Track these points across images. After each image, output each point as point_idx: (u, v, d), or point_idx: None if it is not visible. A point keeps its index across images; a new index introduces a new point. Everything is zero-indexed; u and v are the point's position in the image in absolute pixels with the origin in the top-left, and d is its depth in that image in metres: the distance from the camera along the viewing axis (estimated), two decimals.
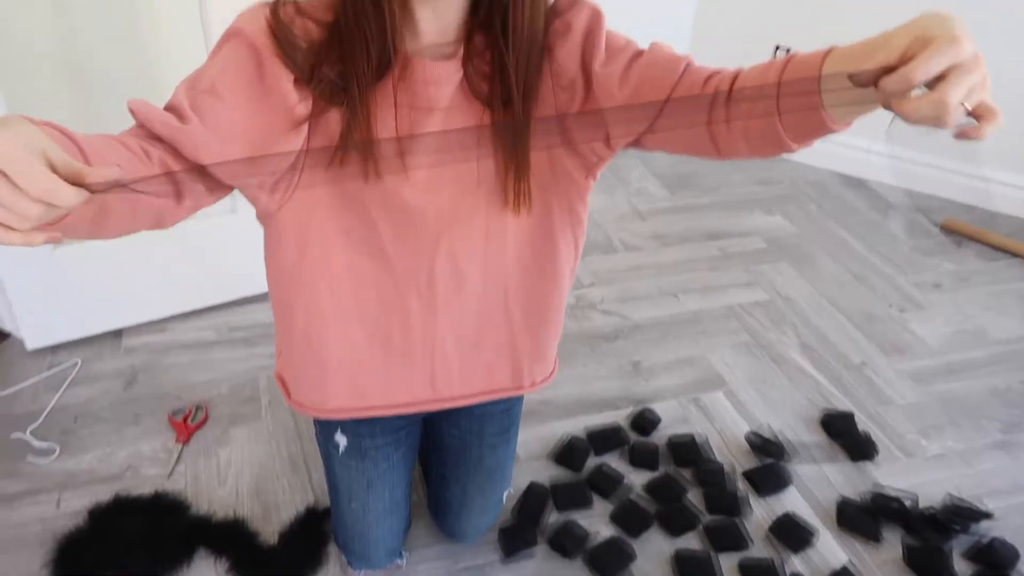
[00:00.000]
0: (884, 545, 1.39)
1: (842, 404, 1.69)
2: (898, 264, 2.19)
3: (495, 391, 1.14)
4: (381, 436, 1.18)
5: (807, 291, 2.06)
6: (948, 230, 2.35)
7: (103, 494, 1.39)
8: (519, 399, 1.26)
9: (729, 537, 1.37)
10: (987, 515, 1.44)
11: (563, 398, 1.66)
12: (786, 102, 0.69)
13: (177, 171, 0.73)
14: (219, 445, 1.52)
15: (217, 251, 1.80)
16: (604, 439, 1.55)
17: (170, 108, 0.76)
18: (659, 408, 1.64)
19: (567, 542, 1.33)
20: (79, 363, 1.69)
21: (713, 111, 0.76)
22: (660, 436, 1.58)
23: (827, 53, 0.66)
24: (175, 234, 1.71)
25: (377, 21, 0.76)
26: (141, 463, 1.47)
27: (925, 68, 0.55)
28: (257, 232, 1.87)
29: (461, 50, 0.83)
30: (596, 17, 0.85)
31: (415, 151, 0.85)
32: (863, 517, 1.42)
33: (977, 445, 1.61)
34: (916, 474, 1.53)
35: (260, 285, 1.88)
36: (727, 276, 2.10)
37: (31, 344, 1.71)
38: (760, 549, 1.37)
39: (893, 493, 1.47)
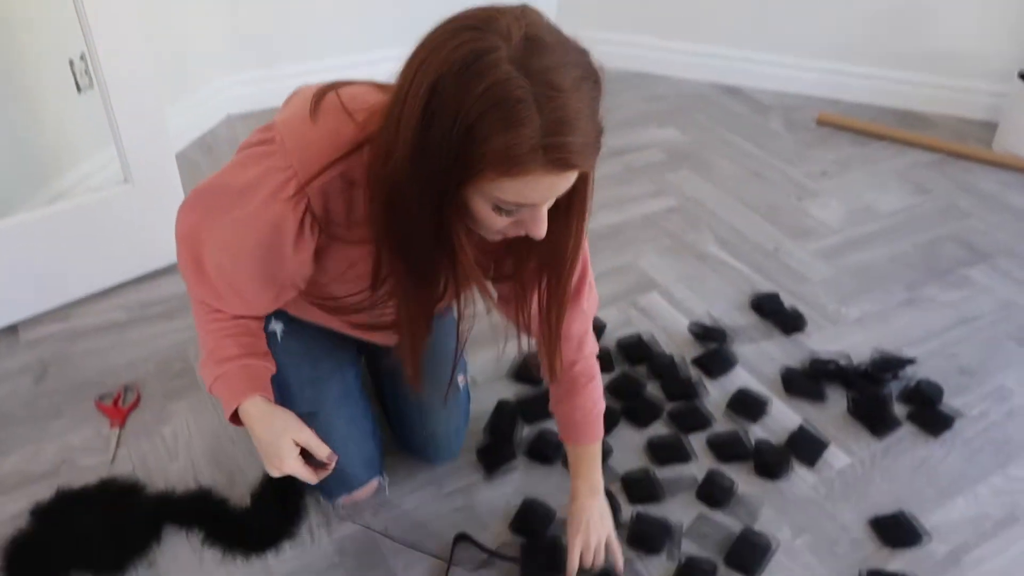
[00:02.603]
0: (829, 403, 1.49)
1: (766, 288, 1.78)
2: (787, 158, 2.32)
3: None
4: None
5: (712, 192, 2.14)
6: (824, 123, 2.51)
7: (41, 493, 1.27)
8: None
9: (693, 419, 1.43)
10: (911, 361, 1.57)
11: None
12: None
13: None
14: (160, 423, 1.42)
15: (113, 226, 1.66)
16: None
17: None
18: (601, 315, 1.67)
19: (545, 449, 1.34)
20: None
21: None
22: (608, 340, 1.61)
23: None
24: (63, 214, 1.58)
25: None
26: (75, 455, 1.35)
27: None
28: (156, 201, 1.75)
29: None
30: None
31: None
32: (806, 382, 1.52)
33: (890, 305, 1.75)
34: (843, 338, 1.65)
35: (164, 257, 1.78)
36: (637, 188, 2.15)
37: None
38: (723, 424, 1.44)
39: (828, 357, 1.57)
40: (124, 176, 1.65)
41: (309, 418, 1.02)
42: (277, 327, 1.14)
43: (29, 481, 1.30)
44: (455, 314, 0.97)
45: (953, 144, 2.39)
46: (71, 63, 1.86)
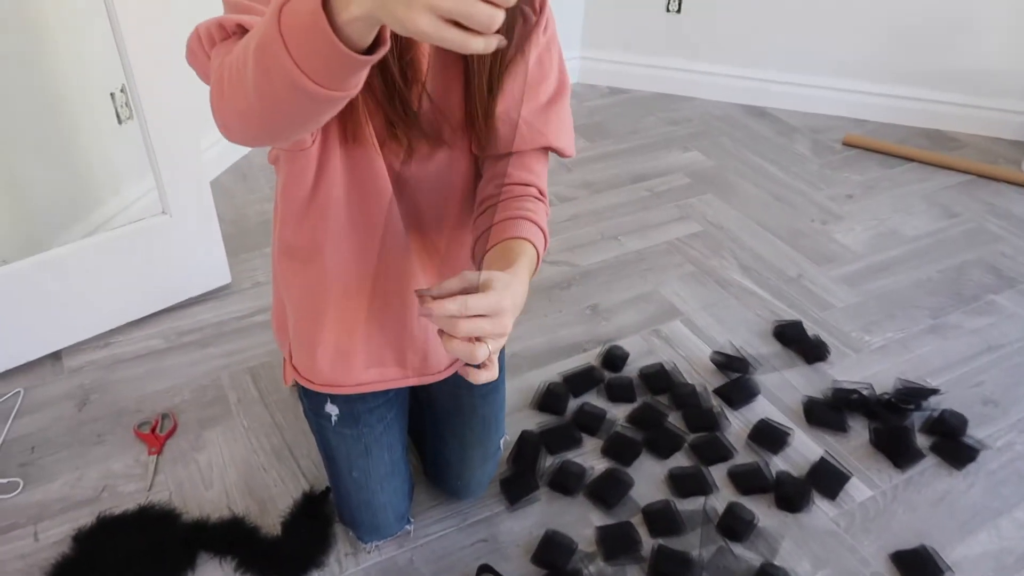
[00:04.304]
0: (852, 433, 1.50)
1: (789, 315, 1.79)
2: (811, 181, 2.32)
3: None
4: (372, 399, 1.17)
5: (736, 217, 2.16)
6: (850, 145, 2.51)
7: (83, 518, 1.33)
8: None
9: (714, 450, 1.44)
10: (934, 391, 1.57)
11: (532, 350, 1.69)
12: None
13: None
14: (195, 450, 1.47)
15: (151, 256, 1.72)
16: (580, 381, 1.59)
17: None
18: (624, 344, 1.69)
19: (567, 481, 1.37)
20: (21, 392, 1.59)
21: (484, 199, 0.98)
22: (631, 370, 1.63)
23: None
24: (104, 245, 1.64)
25: None
26: (116, 481, 1.41)
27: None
28: (192, 232, 1.82)
29: None
30: None
31: None
32: (829, 412, 1.53)
33: (913, 332, 1.75)
34: (866, 367, 1.65)
35: (200, 286, 1.84)
36: (660, 214, 2.17)
37: None
38: (744, 456, 1.45)
39: (850, 386, 1.58)
40: (163, 208, 1.71)
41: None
42: (332, 410, 1.17)
43: (72, 507, 1.36)
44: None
45: (983, 165, 2.37)
46: (112, 95, 1.94)
